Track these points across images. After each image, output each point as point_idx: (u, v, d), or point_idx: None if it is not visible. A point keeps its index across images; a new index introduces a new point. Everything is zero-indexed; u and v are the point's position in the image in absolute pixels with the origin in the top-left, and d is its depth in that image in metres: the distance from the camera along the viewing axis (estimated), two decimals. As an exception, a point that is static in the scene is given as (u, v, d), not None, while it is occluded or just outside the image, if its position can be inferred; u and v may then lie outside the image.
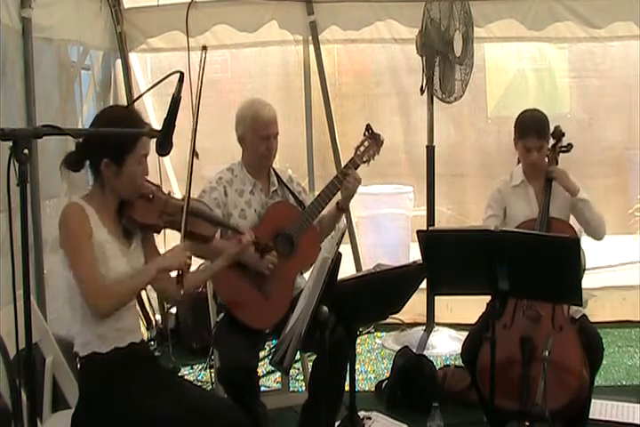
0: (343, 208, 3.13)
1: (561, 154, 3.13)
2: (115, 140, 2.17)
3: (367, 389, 3.81)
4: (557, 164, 3.11)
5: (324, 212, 3.15)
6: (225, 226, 2.70)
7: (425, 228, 3.97)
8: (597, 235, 3.06)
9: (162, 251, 2.43)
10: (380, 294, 2.43)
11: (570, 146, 3.13)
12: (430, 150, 4.45)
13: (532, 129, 3.03)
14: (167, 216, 2.32)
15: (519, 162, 3.23)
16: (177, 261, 2.22)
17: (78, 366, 2.26)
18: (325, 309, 2.13)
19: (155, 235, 2.46)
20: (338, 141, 4.89)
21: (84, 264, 2.13)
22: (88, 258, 2.13)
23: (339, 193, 3.12)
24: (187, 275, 2.28)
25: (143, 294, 4.40)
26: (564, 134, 3.11)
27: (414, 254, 3.20)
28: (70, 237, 2.15)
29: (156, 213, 2.31)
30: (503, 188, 3.22)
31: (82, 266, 2.12)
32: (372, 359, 4.30)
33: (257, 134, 3.03)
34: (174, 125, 1.95)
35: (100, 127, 2.22)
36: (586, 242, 3.03)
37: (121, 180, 2.21)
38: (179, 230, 2.30)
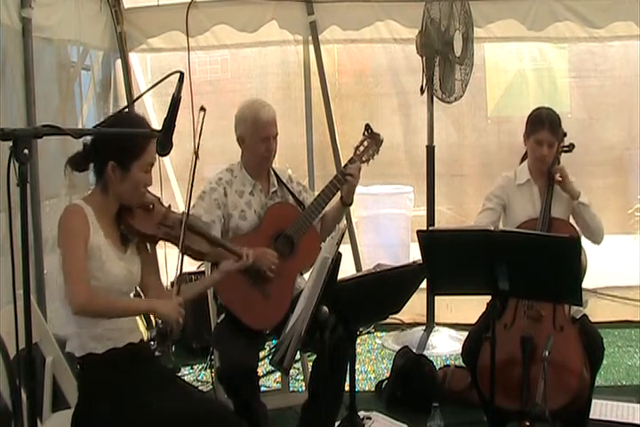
0: (347, 202, 3.13)
1: (562, 154, 3.13)
2: (123, 144, 2.19)
3: (367, 389, 3.80)
4: (559, 164, 3.11)
5: (327, 208, 3.15)
6: (223, 247, 2.56)
7: (425, 228, 3.97)
8: (596, 239, 3.06)
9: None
10: (380, 294, 2.42)
11: (572, 146, 3.13)
12: (430, 150, 4.45)
13: (547, 123, 3.03)
14: (165, 228, 2.34)
15: (522, 160, 3.22)
16: (173, 315, 2.23)
17: (78, 366, 2.26)
18: (325, 309, 2.13)
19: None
20: (338, 141, 4.89)
21: (74, 259, 2.13)
22: (79, 255, 2.14)
23: (338, 193, 3.11)
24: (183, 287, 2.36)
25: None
26: (565, 134, 3.11)
27: (414, 254, 3.20)
28: (65, 237, 2.17)
29: (155, 224, 2.33)
30: (507, 184, 3.19)
31: (71, 260, 2.13)
32: (372, 359, 4.30)
33: (256, 135, 3.03)
34: (174, 125, 1.96)
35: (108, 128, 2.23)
36: (587, 242, 3.03)
37: (124, 185, 2.23)
38: (175, 244, 2.32)
